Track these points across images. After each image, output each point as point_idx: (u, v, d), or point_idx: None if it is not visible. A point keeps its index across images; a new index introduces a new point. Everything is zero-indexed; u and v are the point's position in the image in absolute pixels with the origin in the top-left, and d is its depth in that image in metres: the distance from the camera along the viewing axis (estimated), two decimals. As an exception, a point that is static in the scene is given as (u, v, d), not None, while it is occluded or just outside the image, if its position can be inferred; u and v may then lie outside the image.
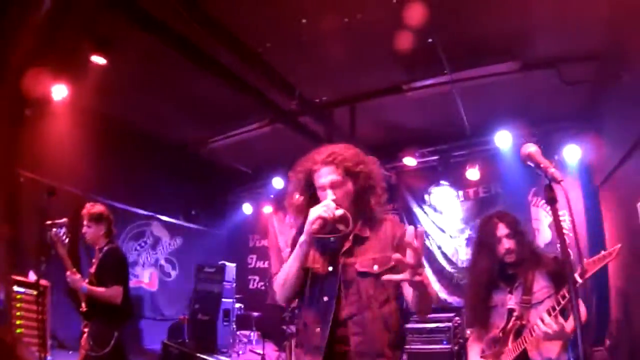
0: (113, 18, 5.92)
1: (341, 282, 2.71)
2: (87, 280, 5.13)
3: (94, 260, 5.37)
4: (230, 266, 10.90)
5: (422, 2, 5.96)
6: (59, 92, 7.52)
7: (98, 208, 5.40)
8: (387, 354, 2.62)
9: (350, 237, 2.78)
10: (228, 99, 8.33)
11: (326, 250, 2.83)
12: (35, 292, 5.45)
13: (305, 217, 2.74)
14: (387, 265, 2.61)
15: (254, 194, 12.79)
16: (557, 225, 2.14)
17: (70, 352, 6.67)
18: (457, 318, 8.21)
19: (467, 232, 10.35)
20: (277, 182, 11.63)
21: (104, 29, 6.49)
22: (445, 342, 8.01)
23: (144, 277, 10.87)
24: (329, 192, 2.75)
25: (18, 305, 5.33)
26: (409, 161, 10.20)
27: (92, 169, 8.50)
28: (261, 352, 9.73)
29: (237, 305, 10.95)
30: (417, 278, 2.27)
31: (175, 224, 11.81)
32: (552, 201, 2.14)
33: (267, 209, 12.83)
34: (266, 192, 12.45)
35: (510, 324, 3.61)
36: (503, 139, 8.98)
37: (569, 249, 2.18)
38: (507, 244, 3.67)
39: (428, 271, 10.00)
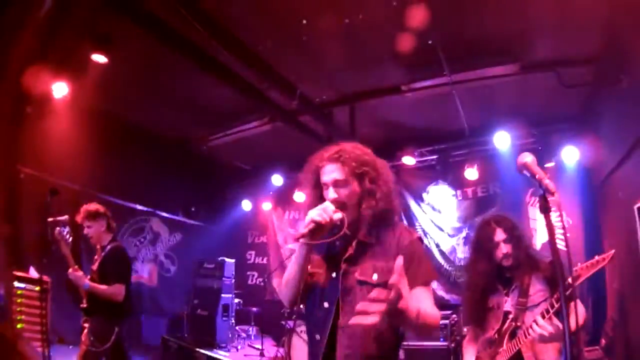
0: (114, 17, 5.94)
1: (341, 291, 2.59)
2: (89, 277, 5.19)
3: (96, 258, 5.43)
4: (230, 262, 10.92)
5: (422, 3, 5.98)
6: (60, 90, 7.53)
7: (93, 206, 5.46)
8: None
9: (354, 243, 2.67)
10: (228, 98, 8.35)
11: (329, 254, 2.74)
12: (37, 288, 5.50)
13: (316, 203, 2.66)
14: (388, 275, 2.34)
15: (253, 191, 12.83)
16: (550, 234, 2.19)
17: (70, 347, 6.71)
18: (454, 316, 8.27)
19: (465, 231, 10.41)
20: (276, 179, 11.70)
21: (105, 27, 6.50)
22: (442, 340, 8.08)
23: (143, 273, 10.93)
24: (331, 190, 2.66)
25: (19, 300, 5.37)
26: (408, 160, 10.23)
27: (92, 166, 8.55)
28: (260, 347, 9.79)
29: (236, 300, 10.99)
30: (394, 311, 2.03)
31: (174, 220, 11.86)
32: (546, 210, 2.20)
33: (266, 206, 12.87)
34: (265, 189, 12.51)
35: (506, 325, 3.68)
36: (502, 140, 9.02)
37: (562, 257, 2.22)
38: (504, 248, 3.73)
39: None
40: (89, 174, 8.59)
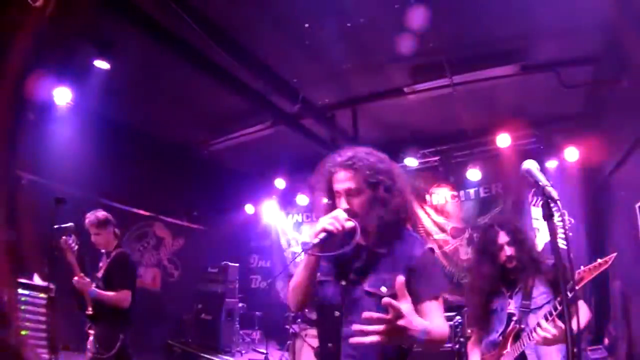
0: (116, 23, 5.97)
1: (349, 299, 2.54)
2: (94, 284, 5.20)
3: (101, 265, 5.45)
4: (233, 266, 10.96)
5: (423, 6, 6.02)
6: (63, 95, 7.58)
7: (100, 214, 5.47)
8: None
9: (364, 254, 2.59)
10: (231, 102, 8.37)
11: (339, 262, 2.62)
12: (41, 295, 5.50)
13: (326, 213, 2.56)
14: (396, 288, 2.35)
15: (256, 195, 12.83)
16: (553, 240, 2.22)
17: (74, 354, 6.72)
18: (458, 317, 8.26)
19: (468, 232, 10.44)
20: (279, 183, 11.73)
21: (107, 33, 6.54)
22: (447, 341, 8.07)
23: (147, 278, 10.94)
24: (343, 200, 2.57)
25: (23, 308, 5.37)
26: (411, 162, 10.25)
27: (94, 172, 8.54)
28: (264, 351, 9.81)
29: (240, 304, 10.99)
30: (393, 331, 2.02)
31: (177, 225, 11.87)
32: (549, 217, 2.22)
33: (269, 209, 12.89)
34: (268, 193, 12.54)
35: (510, 327, 3.69)
36: (503, 140, 9.05)
37: (564, 257, 2.24)
38: (508, 251, 3.75)
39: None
40: (92, 180, 8.58)
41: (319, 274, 2.64)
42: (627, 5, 5.67)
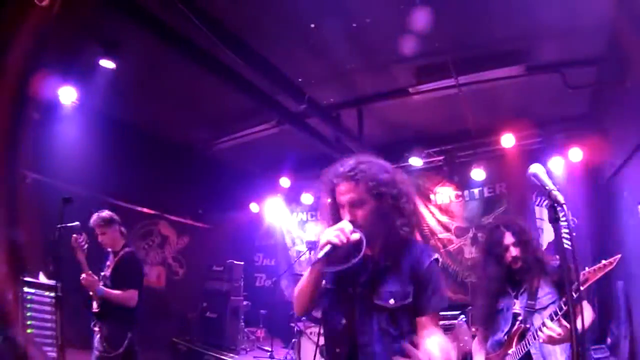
0: (121, 22, 5.96)
1: (357, 310, 2.55)
2: (101, 283, 5.24)
3: (108, 263, 5.49)
4: (238, 264, 10.99)
5: (429, 7, 6.03)
6: (68, 95, 7.61)
7: (104, 213, 5.51)
8: None
9: (370, 265, 2.60)
10: (236, 101, 8.39)
11: (346, 273, 2.56)
12: (47, 293, 5.53)
13: (331, 223, 2.59)
14: (404, 300, 2.49)
15: (260, 193, 12.83)
16: (559, 243, 2.25)
17: (79, 351, 6.76)
18: (462, 316, 8.30)
19: (472, 231, 10.46)
20: (284, 182, 11.74)
21: (112, 32, 6.57)
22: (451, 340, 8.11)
23: (152, 276, 10.97)
24: (347, 212, 2.55)
25: (28, 306, 5.41)
26: (415, 161, 10.26)
27: (99, 170, 8.55)
28: (269, 349, 9.85)
29: (245, 302, 11.02)
30: None
31: (182, 223, 11.90)
32: (555, 220, 2.26)
33: (274, 208, 12.91)
34: (273, 191, 12.55)
35: (515, 327, 3.73)
36: (508, 141, 9.06)
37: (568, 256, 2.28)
38: (513, 251, 3.79)
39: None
40: (97, 179, 8.60)
41: (324, 282, 2.63)
42: (627, 6, 5.69)
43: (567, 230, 2.41)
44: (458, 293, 10.22)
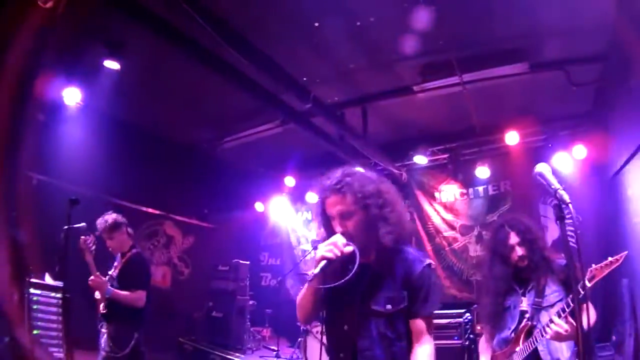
0: (126, 22, 5.98)
1: (356, 316, 2.64)
2: (109, 284, 5.26)
3: (115, 264, 5.51)
4: (244, 264, 11.02)
5: (432, 5, 6.04)
6: (72, 96, 7.60)
7: (110, 217, 5.52)
8: None
9: (367, 272, 2.67)
10: (241, 101, 8.39)
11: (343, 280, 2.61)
12: (53, 294, 5.54)
13: (327, 232, 2.76)
14: (400, 304, 2.61)
15: (265, 192, 12.83)
16: (565, 242, 2.26)
17: (86, 352, 6.78)
18: (467, 314, 8.30)
19: (477, 229, 10.45)
20: (289, 181, 11.75)
21: (117, 33, 6.58)
22: (456, 338, 8.11)
23: (157, 276, 10.98)
24: (337, 223, 2.67)
25: (34, 307, 5.42)
26: (420, 159, 10.26)
27: (104, 171, 8.58)
28: (275, 348, 9.86)
29: (251, 302, 11.04)
30: None
31: (187, 223, 11.92)
32: (561, 219, 2.26)
33: (279, 207, 12.91)
34: (278, 190, 12.56)
35: (522, 324, 3.74)
36: (512, 138, 9.06)
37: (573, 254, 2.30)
38: (519, 251, 3.80)
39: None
40: (102, 179, 8.63)
41: (324, 291, 2.70)
42: (627, 6, 5.69)
43: (572, 229, 2.42)
44: (463, 291, 10.23)
